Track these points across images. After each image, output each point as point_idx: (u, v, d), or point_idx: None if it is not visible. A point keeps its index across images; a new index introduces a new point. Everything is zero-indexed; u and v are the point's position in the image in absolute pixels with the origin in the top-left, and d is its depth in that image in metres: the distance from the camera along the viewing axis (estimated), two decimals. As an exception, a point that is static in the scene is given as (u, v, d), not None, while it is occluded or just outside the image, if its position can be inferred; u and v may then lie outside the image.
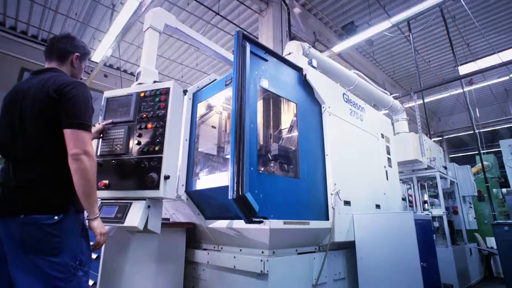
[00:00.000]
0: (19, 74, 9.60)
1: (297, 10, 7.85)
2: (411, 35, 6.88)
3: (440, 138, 14.24)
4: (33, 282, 1.26)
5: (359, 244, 2.72)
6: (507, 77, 8.60)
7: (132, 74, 10.96)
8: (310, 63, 3.05)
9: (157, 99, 2.02)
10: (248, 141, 2.06)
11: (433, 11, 6.62)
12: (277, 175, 2.53)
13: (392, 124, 5.19)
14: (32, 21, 8.64)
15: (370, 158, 3.39)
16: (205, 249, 2.63)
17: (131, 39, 9.00)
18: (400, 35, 7.94)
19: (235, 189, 1.90)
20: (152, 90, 2.06)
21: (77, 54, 1.65)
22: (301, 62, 3.09)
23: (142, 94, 2.07)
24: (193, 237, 2.71)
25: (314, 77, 2.83)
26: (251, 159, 2.07)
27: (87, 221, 1.48)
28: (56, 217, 1.34)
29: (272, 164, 2.74)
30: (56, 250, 1.32)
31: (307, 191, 2.49)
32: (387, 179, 3.62)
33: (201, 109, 3.15)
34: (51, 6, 7.87)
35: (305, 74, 2.79)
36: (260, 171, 2.29)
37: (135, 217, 1.81)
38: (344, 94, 3.23)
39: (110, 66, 10.49)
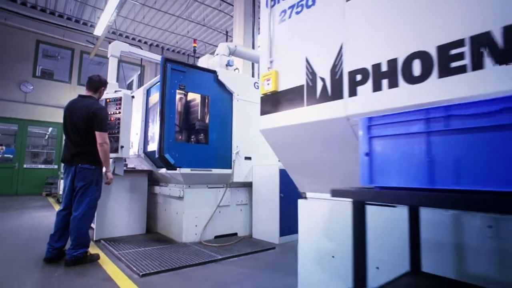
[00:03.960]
0: (35, 46, 11.35)
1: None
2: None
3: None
4: (81, 193, 3.11)
5: (254, 184, 4.51)
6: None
7: (127, 37, 12.48)
8: (228, 63, 4.58)
9: (115, 103, 3.74)
10: (168, 125, 3.79)
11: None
12: (190, 143, 4.29)
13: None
14: (39, 1, 10.12)
15: (278, 127, 5.00)
16: (160, 186, 4.55)
17: (126, 14, 10.34)
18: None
19: (158, 151, 3.69)
20: (113, 98, 3.78)
21: (103, 87, 3.35)
22: (224, 61, 4.63)
23: (108, 100, 3.79)
24: (153, 178, 4.61)
25: (224, 76, 4.37)
26: (170, 134, 3.81)
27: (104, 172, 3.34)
28: (93, 167, 3.18)
29: (201, 135, 4.48)
30: (91, 180, 3.15)
31: (214, 152, 4.23)
32: (296, 141, 5.25)
33: (160, 95, 4.82)
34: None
35: (218, 75, 4.34)
36: (177, 141, 4.02)
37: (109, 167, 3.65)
38: (255, 83, 4.75)
39: (113, 33, 11.81)
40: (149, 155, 4.35)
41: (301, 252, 2.25)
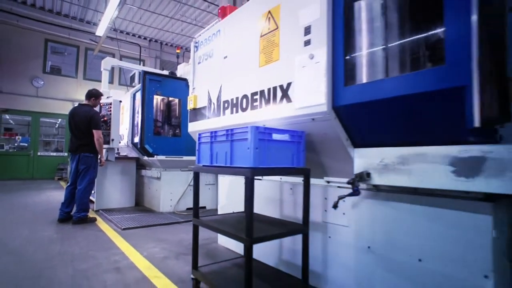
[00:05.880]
0: (44, 45, 12.71)
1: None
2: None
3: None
4: (83, 173, 4.47)
5: (219, 168, 5.81)
6: None
7: (127, 34, 13.75)
8: (198, 71, 5.80)
9: (107, 107, 5.04)
10: (147, 122, 5.08)
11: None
12: (166, 136, 5.58)
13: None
14: (46, 3, 11.41)
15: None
16: (145, 169, 5.89)
17: (124, 15, 11.55)
18: None
19: (140, 143, 5.00)
20: (105, 103, 5.08)
21: (98, 99, 4.65)
22: (195, 69, 5.85)
23: (101, 104, 5.09)
24: (140, 163, 5.96)
25: (194, 83, 5.60)
26: (149, 129, 5.11)
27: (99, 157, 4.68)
28: (92, 155, 4.53)
29: (177, 129, 5.77)
30: (90, 164, 4.51)
31: (185, 143, 5.52)
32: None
33: (146, 96, 6.11)
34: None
35: (188, 82, 5.56)
36: (155, 135, 5.32)
37: (103, 155, 4.98)
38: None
39: (115, 30, 13.07)
40: (135, 145, 5.67)
41: (219, 211, 3.54)
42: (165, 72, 5.71)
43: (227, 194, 3.45)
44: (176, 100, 5.86)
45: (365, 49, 1.83)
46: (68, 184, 4.58)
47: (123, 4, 9.29)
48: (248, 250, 1.74)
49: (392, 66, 1.72)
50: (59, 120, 13.80)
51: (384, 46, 1.76)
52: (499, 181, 1.40)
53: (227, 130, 1.95)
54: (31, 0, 11.74)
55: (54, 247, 3.28)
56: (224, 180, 3.55)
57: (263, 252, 2.79)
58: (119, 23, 12.23)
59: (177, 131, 5.74)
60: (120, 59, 13.71)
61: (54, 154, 12.92)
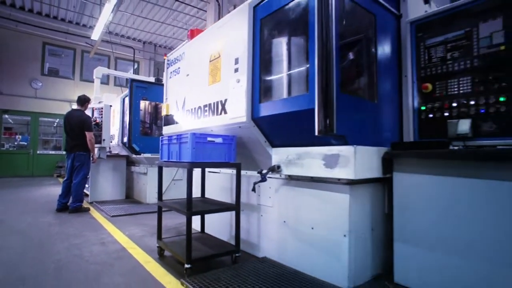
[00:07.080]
0: (42, 48, 13.46)
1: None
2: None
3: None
4: (78, 169, 5.26)
5: (201, 164, 6.59)
6: None
7: (122, 36, 14.52)
8: (181, 78, 6.57)
9: (98, 111, 5.80)
10: (134, 124, 5.85)
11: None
12: (151, 136, 6.35)
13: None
14: (44, 8, 12.14)
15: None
16: (134, 166, 6.67)
17: (118, 20, 12.28)
18: None
19: (128, 142, 5.77)
20: (97, 107, 5.84)
21: (87, 103, 5.43)
22: (178, 76, 6.62)
23: (93, 108, 5.86)
24: (130, 161, 6.74)
25: (176, 88, 6.37)
26: (135, 130, 5.89)
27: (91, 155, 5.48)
28: (85, 153, 5.32)
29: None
30: (84, 161, 5.30)
31: (169, 142, 6.29)
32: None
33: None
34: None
35: (171, 88, 6.33)
36: (142, 135, 6.09)
37: (95, 153, 5.76)
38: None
39: (110, 33, 13.80)
40: (124, 144, 6.45)
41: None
42: (151, 79, 6.45)
43: (196, 184, 4.21)
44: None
45: (271, 76, 2.59)
46: (65, 178, 5.36)
47: (116, 10, 10.02)
48: (188, 220, 2.51)
49: (286, 89, 2.47)
50: (57, 119, 14.59)
51: (282, 75, 2.51)
52: (345, 170, 2.15)
53: (177, 135, 2.72)
54: (29, 5, 12.48)
55: (53, 229, 4.07)
56: (195, 173, 4.31)
57: (219, 230, 3.56)
58: (113, 27, 12.97)
59: (158, 131, 6.51)
60: (115, 61, 14.49)
61: (53, 152, 13.72)
